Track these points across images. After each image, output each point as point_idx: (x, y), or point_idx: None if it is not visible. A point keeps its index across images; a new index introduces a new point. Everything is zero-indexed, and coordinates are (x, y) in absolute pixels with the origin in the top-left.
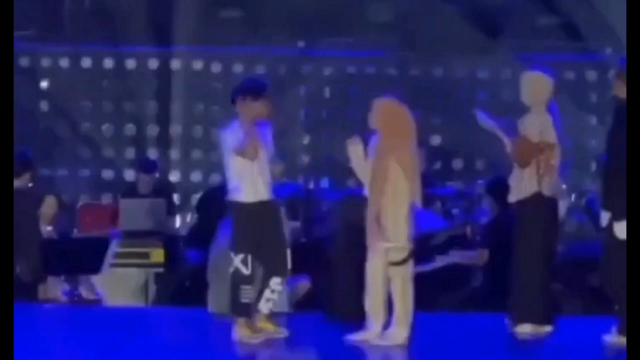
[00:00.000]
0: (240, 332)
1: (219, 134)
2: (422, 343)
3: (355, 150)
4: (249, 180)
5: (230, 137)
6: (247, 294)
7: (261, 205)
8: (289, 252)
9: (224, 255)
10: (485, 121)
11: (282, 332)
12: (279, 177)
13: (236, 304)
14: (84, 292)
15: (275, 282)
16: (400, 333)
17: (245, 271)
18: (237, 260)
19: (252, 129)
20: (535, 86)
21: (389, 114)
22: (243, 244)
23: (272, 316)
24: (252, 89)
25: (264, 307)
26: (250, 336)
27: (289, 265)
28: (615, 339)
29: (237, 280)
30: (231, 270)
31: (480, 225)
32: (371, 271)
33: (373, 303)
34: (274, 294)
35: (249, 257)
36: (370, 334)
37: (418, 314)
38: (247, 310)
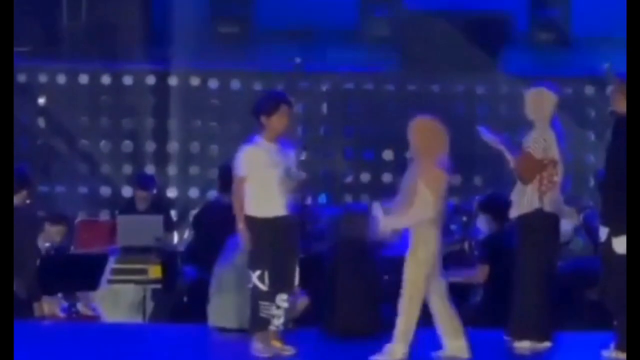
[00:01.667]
0: (256, 345)
1: (240, 149)
2: (422, 359)
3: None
4: (265, 196)
5: (242, 158)
6: (265, 309)
7: (277, 220)
8: (297, 268)
9: (228, 271)
10: (488, 137)
11: (290, 350)
12: (295, 190)
13: (255, 319)
14: (82, 309)
15: (281, 298)
16: (400, 348)
17: (263, 287)
18: (254, 276)
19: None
20: (539, 102)
21: (421, 133)
22: (259, 260)
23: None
24: (273, 102)
25: (272, 324)
26: (265, 350)
27: (297, 282)
28: (614, 354)
29: (256, 296)
30: (250, 286)
31: (478, 241)
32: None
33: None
34: (280, 310)
35: (266, 274)
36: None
37: (417, 329)
38: (263, 325)
